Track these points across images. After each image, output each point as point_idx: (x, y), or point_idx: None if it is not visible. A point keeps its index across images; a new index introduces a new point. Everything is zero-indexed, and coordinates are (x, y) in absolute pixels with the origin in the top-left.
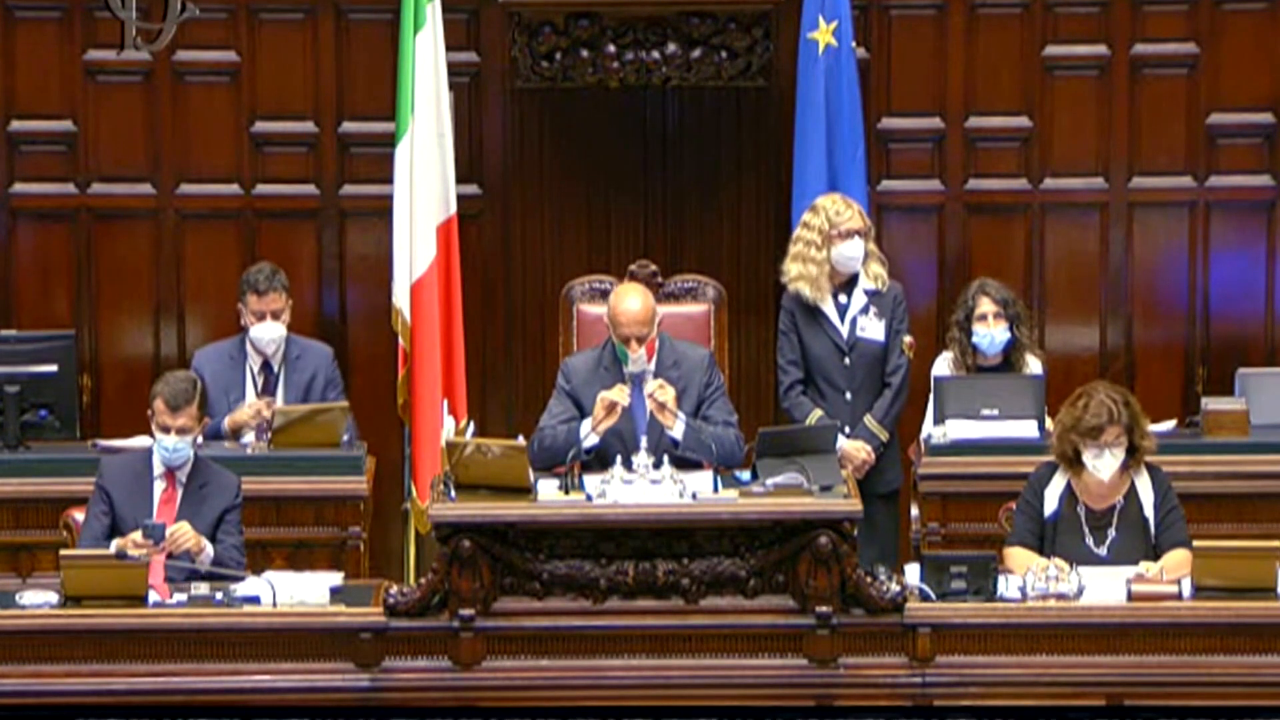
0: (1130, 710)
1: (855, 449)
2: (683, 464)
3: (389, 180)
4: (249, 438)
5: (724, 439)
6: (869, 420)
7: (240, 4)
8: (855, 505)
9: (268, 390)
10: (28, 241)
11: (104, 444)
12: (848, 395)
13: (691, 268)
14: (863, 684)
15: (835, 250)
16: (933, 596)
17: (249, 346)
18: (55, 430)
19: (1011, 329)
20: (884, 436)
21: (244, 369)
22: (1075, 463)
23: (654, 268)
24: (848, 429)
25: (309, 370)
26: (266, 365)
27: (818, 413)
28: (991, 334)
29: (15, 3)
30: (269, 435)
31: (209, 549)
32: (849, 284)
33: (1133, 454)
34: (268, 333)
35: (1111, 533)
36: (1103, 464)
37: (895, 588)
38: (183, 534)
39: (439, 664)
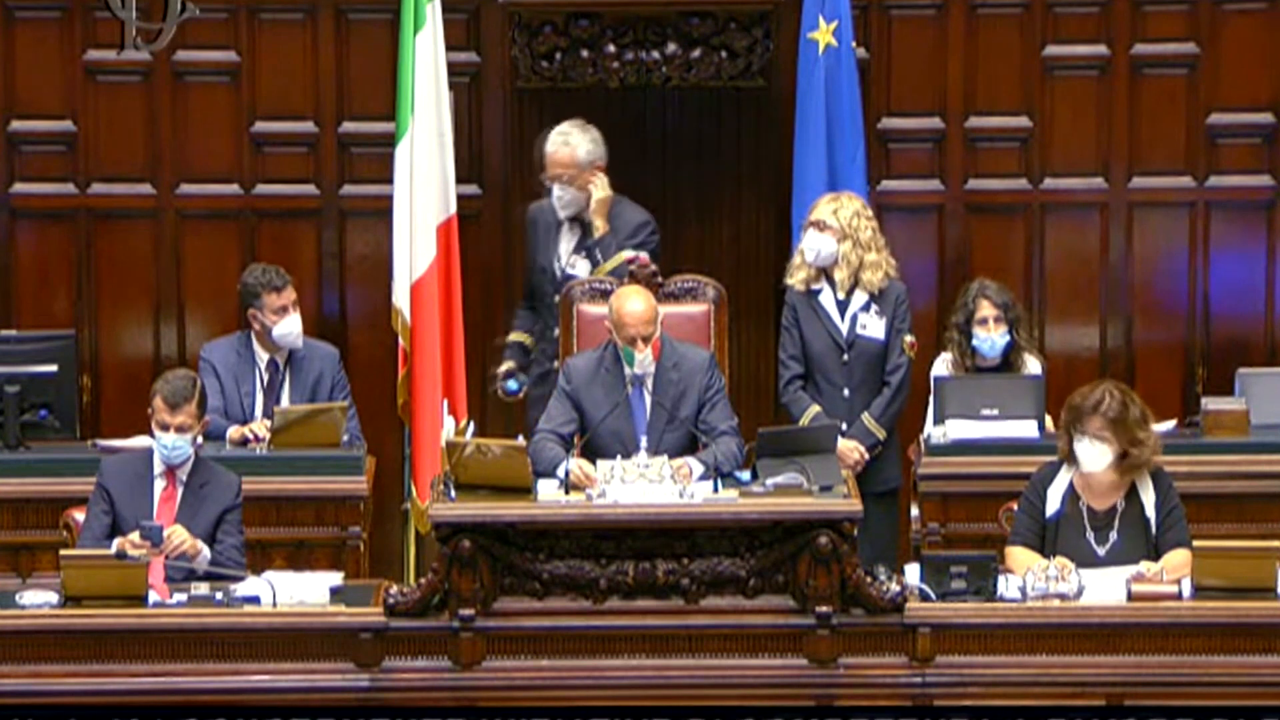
0: (1130, 710)
1: (849, 448)
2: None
3: (389, 180)
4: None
5: (729, 454)
6: (866, 418)
7: (240, 4)
8: (855, 505)
9: (273, 388)
10: (28, 241)
11: (104, 444)
12: (845, 392)
13: (691, 268)
14: (863, 684)
15: (803, 240)
16: (933, 596)
17: (255, 345)
18: (55, 430)
19: (1011, 332)
20: (880, 435)
21: (252, 365)
22: (1073, 457)
23: (654, 268)
24: (845, 426)
25: (315, 371)
26: (273, 363)
27: (815, 409)
28: (992, 338)
29: (15, 3)
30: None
31: (205, 552)
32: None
33: (1122, 459)
34: (291, 327)
35: (1113, 533)
36: (1083, 454)
37: (895, 588)
38: (178, 538)
39: (439, 664)
